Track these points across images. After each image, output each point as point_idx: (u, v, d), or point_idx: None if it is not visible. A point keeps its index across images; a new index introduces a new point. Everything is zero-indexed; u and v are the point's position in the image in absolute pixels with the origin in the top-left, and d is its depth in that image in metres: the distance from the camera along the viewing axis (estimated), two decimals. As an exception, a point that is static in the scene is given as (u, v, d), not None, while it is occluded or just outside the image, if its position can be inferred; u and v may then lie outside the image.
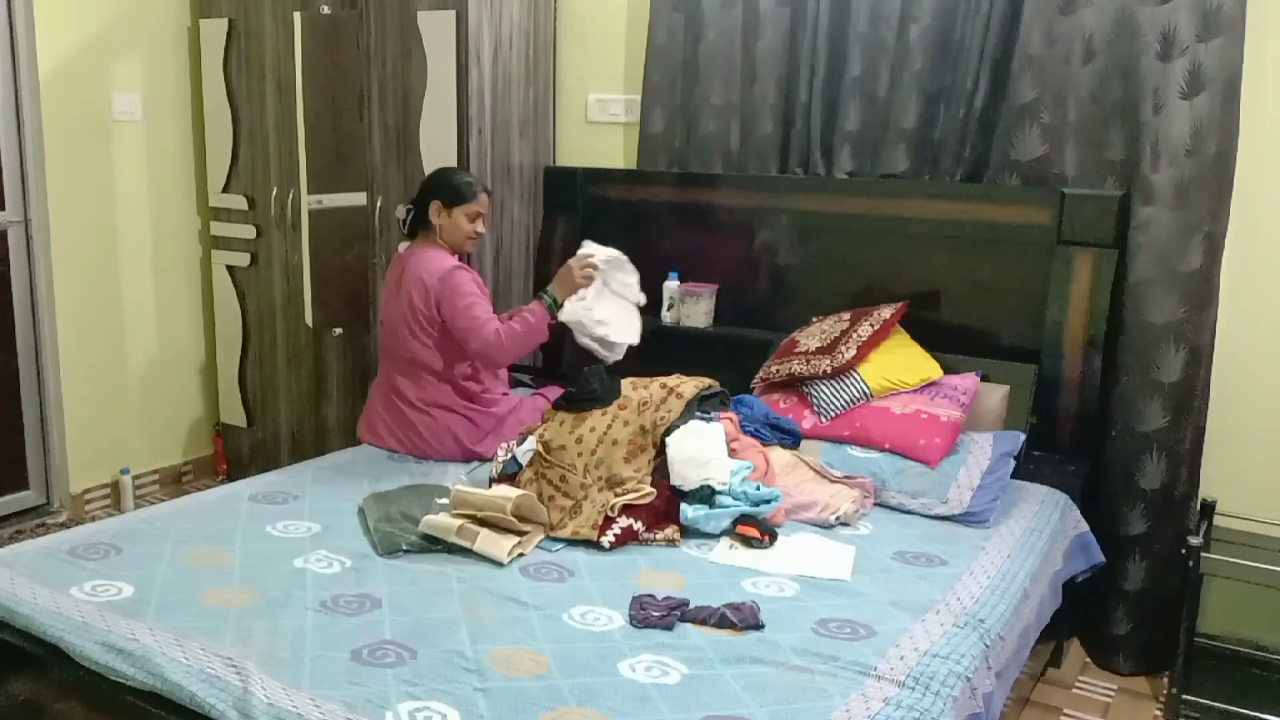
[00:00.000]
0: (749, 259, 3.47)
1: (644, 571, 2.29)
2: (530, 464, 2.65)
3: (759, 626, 2.02)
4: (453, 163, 3.49)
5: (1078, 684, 3.00)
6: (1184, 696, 2.71)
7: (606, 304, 2.99)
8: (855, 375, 2.92)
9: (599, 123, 3.85)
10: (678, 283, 3.51)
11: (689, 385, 2.71)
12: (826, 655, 1.92)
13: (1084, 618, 3.07)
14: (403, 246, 3.11)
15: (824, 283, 3.34)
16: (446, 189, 3.00)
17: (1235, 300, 2.89)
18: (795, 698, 1.78)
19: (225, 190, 4.12)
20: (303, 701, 1.71)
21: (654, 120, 3.65)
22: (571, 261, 2.99)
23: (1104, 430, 2.99)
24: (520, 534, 2.37)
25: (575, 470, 2.57)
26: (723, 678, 1.84)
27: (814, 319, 3.18)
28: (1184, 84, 2.77)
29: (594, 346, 2.98)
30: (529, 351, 3.16)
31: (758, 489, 2.53)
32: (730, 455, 2.61)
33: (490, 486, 2.68)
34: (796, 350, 3.04)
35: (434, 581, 2.19)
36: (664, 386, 2.73)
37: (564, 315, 2.95)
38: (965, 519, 2.63)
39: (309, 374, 4.04)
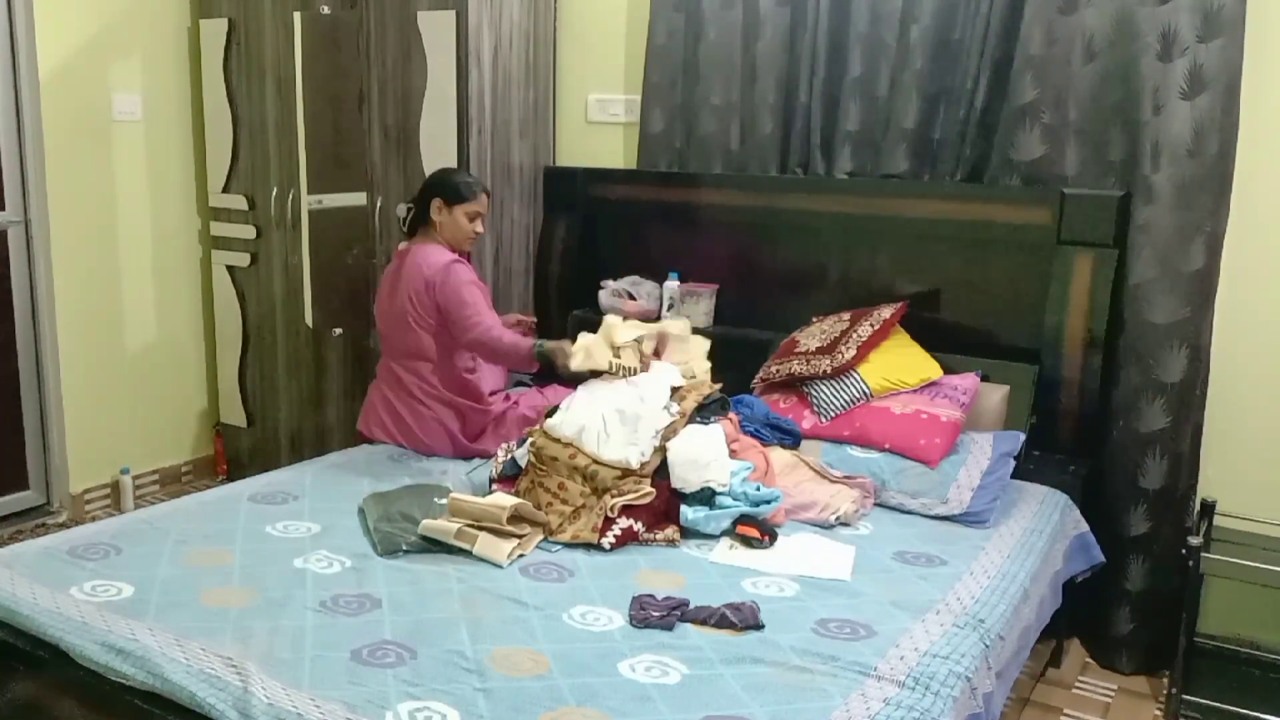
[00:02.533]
0: (749, 259, 3.47)
1: (644, 571, 2.29)
2: (526, 472, 2.64)
3: (759, 626, 2.02)
4: (453, 163, 3.49)
5: (1078, 684, 3.00)
6: (1184, 696, 2.71)
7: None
8: (855, 375, 2.92)
9: (599, 123, 3.85)
10: (678, 283, 3.50)
11: (690, 399, 2.70)
12: (826, 655, 1.92)
13: (1084, 618, 3.06)
14: (402, 245, 3.15)
15: (824, 283, 3.35)
16: (448, 188, 3.08)
17: (1235, 300, 2.89)
18: (795, 698, 1.78)
19: (225, 190, 4.12)
20: (303, 701, 1.71)
21: (654, 120, 3.64)
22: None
23: (1104, 430, 2.99)
24: (519, 536, 2.36)
25: (574, 479, 2.55)
26: (723, 678, 1.84)
27: (814, 319, 3.18)
28: (1184, 84, 2.77)
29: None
30: (506, 366, 3.24)
31: (758, 489, 2.53)
32: (730, 456, 2.60)
33: (490, 487, 2.68)
34: (796, 350, 3.04)
35: (434, 581, 2.19)
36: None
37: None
38: (965, 519, 2.63)
39: (309, 374, 4.04)
